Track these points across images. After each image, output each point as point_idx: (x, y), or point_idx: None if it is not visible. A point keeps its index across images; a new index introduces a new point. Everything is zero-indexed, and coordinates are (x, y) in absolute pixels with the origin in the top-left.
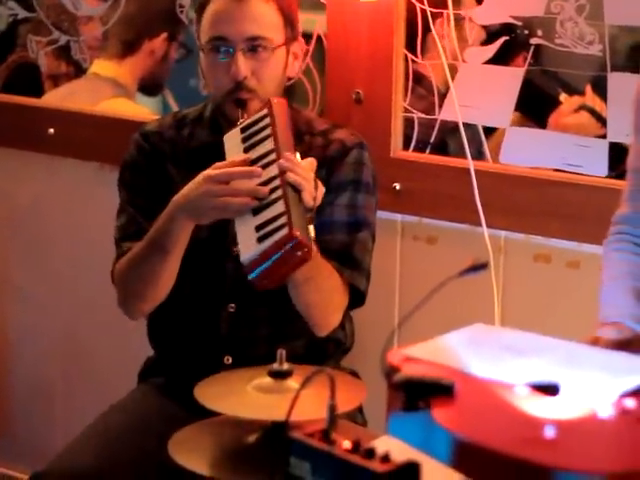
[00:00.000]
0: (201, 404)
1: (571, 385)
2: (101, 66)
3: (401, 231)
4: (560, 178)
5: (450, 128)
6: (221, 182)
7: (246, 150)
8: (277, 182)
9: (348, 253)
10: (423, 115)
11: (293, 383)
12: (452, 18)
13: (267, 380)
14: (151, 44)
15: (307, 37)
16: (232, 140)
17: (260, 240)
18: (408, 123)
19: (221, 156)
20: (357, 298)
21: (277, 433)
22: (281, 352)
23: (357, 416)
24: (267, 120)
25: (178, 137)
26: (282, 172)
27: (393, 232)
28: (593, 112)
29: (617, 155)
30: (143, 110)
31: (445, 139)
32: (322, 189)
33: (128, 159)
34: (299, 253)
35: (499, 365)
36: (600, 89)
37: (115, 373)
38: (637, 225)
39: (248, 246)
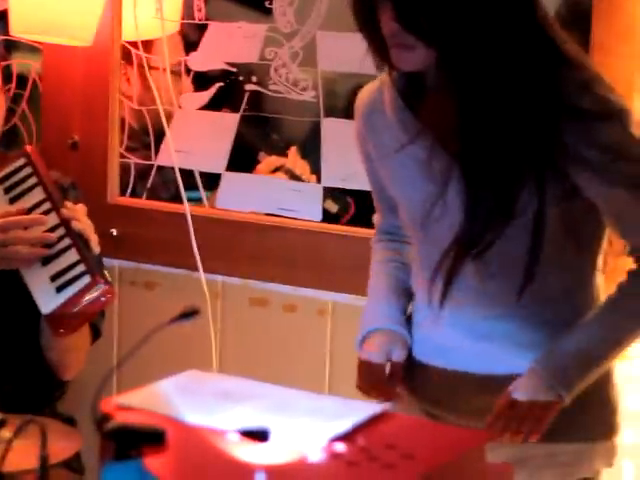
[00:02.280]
0: None
1: (282, 430)
2: None
3: (119, 277)
4: (276, 223)
5: (167, 173)
6: (4, 231)
7: (12, 201)
8: (61, 231)
9: None
10: (139, 160)
11: (7, 433)
12: (167, 64)
13: None
14: None
15: (23, 81)
16: None
17: (59, 290)
18: (125, 168)
19: None
20: (96, 337)
21: None
22: None
23: (74, 464)
24: (28, 169)
25: None
26: (65, 221)
27: (111, 278)
28: (292, 174)
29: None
30: None
31: (162, 184)
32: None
33: None
34: (104, 299)
35: (212, 412)
36: (307, 150)
37: None
38: (386, 221)
39: (47, 298)
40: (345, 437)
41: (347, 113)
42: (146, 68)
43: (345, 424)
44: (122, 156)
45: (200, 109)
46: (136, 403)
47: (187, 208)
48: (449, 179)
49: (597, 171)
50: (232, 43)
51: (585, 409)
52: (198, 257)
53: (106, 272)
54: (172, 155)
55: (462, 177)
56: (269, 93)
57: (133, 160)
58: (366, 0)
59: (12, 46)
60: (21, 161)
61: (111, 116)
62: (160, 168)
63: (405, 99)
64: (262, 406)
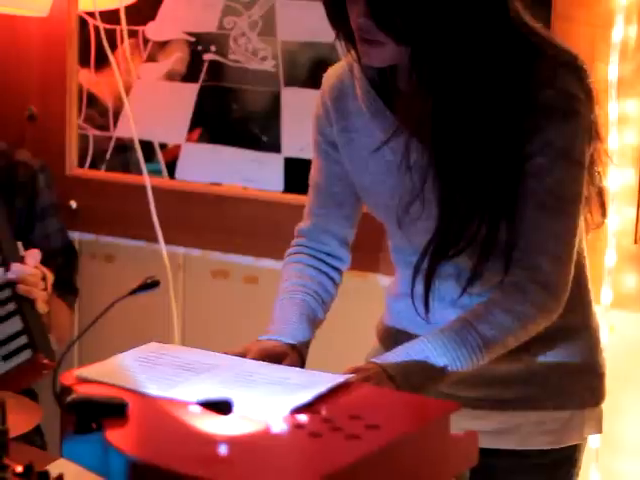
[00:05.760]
0: None
1: (245, 401)
2: None
3: (79, 249)
4: (237, 194)
5: (126, 145)
6: None
7: None
8: (8, 292)
9: (69, 281)
10: (98, 132)
11: None
12: (126, 34)
13: None
14: None
15: None
16: None
17: (5, 358)
18: (83, 140)
19: None
20: (75, 294)
21: None
22: None
23: (36, 439)
24: None
25: None
26: (12, 282)
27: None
28: None
29: (292, 170)
30: None
31: (121, 156)
32: (51, 277)
33: None
34: (44, 372)
35: (173, 384)
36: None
37: None
38: (316, 238)
39: None
40: (308, 408)
41: (307, 83)
42: (103, 39)
43: (307, 395)
44: (80, 127)
45: (159, 79)
46: (97, 376)
47: (147, 180)
48: (427, 177)
49: (531, 167)
50: (190, 12)
51: (575, 377)
52: (159, 229)
53: (50, 337)
54: (131, 127)
55: (438, 176)
56: (228, 63)
57: (91, 132)
58: None
59: None
60: None
61: (69, 87)
62: (120, 139)
63: (376, 87)
64: (224, 377)
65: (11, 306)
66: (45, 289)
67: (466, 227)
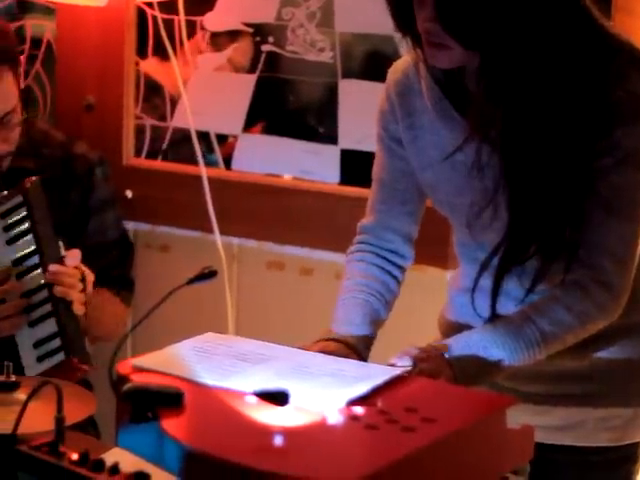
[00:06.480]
0: None
1: (301, 393)
2: None
3: (134, 239)
4: (293, 185)
5: (182, 135)
6: None
7: (9, 242)
8: (45, 293)
9: (123, 276)
10: (155, 122)
11: (21, 395)
12: (184, 25)
13: None
14: None
15: (37, 43)
16: None
17: (39, 359)
18: (140, 130)
19: None
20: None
21: (4, 447)
22: (8, 364)
23: (90, 428)
24: (24, 211)
25: None
26: (49, 283)
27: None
28: None
29: (348, 162)
30: None
31: (178, 146)
32: (91, 277)
33: None
34: (78, 374)
35: (230, 374)
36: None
37: None
38: (379, 235)
39: (29, 364)
40: (364, 400)
41: (364, 74)
42: (161, 29)
43: (364, 387)
44: (137, 117)
45: (217, 70)
46: (153, 365)
47: (203, 170)
48: (499, 182)
49: (598, 169)
50: (249, 3)
51: (639, 374)
52: (214, 219)
53: (86, 339)
54: (188, 117)
55: (508, 181)
56: (286, 54)
57: (148, 121)
58: None
59: (26, 7)
60: (18, 198)
61: (126, 77)
62: (177, 129)
63: (442, 86)
64: (280, 368)
65: (47, 307)
66: (83, 290)
67: (536, 234)
